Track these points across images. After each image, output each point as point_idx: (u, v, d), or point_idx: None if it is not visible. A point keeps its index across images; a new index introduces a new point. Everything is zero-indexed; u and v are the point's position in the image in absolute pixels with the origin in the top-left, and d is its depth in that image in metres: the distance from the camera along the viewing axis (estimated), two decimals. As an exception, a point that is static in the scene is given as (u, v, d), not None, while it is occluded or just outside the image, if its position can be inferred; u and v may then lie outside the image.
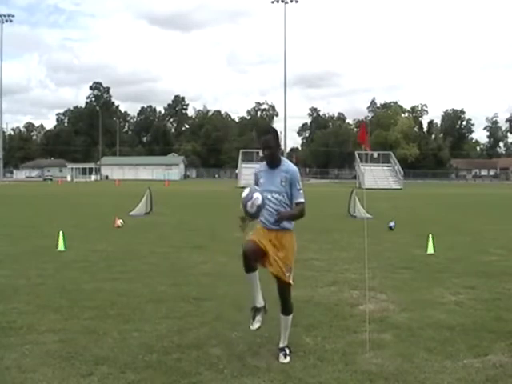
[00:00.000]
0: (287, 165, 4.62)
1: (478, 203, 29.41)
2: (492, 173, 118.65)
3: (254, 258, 4.38)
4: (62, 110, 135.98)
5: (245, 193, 4.43)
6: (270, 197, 4.48)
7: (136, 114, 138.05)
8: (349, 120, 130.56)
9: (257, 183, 4.63)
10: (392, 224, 14.47)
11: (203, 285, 7.24)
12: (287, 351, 4.51)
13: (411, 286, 7.36)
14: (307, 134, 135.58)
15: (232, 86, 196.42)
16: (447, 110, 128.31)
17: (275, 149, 4.57)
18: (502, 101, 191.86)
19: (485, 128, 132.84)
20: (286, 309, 4.61)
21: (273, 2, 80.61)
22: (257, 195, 4.35)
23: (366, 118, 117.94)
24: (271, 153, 4.56)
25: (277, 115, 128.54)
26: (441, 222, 17.36)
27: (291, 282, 4.54)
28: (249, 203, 4.34)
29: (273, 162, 4.59)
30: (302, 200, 4.55)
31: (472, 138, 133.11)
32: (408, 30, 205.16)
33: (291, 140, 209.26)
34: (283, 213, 4.44)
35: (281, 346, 4.56)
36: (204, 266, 8.76)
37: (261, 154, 4.73)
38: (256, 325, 4.47)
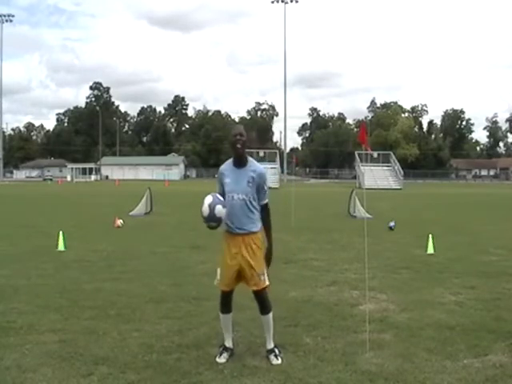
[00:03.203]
0: (254, 164, 4.52)
1: (478, 203, 29.40)
2: (492, 173, 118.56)
3: (231, 299, 4.53)
4: (62, 110, 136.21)
5: (205, 208, 4.29)
6: (235, 197, 4.37)
7: (136, 114, 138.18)
8: (349, 120, 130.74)
9: (222, 183, 4.49)
10: (392, 224, 14.47)
11: (203, 285, 7.22)
12: (277, 351, 4.46)
13: (411, 286, 7.36)
14: (307, 134, 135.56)
15: (232, 86, 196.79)
16: (447, 110, 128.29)
17: (246, 141, 4.45)
18: (502, 101, 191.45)
19: (485, 128, 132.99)
20: (266, 308, 4.53)
21: (273, 2, 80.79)
22: (219, 210, 4.26)
23: (366, 118, 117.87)
24: (243, 141, 4.40)
25: (277, 115, 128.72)
26: (441, 222, 17.35)
27: (267, 283, 4.50)
28: (210, 218, 4.28)
29: (241, 158, 4.45)
30: (267, 200, 4.56)
31: (472, 138, 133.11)
32: (408, 30, 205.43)
33: (291, 140, 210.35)
34: (271, 250, 4.52)
35: (269, 347, 4.49)
36: (204, 265, 8.75)
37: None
38: (222, 360, 4.41)
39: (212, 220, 4.31)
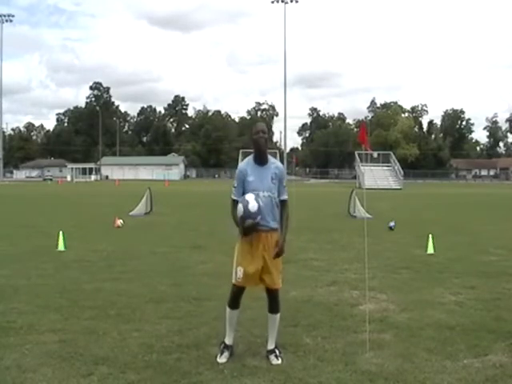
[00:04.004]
0: (274, 161, 4.57)
1: (478, 203, 29.39)
2: (492, 173, 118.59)
3: (241, 296, 4.48)
4: (62, 110, 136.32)
5: (253, 203, 4.20)
6: (261, 195, 4.36)
7: (136, 114, 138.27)
8: (349, 120, 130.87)
9: (243, 181, 4.43)
10: (392, 224, 14.47)
11: (203, 285, 7.24)
12: (278, 352, 4.45)
13: (411, 286, 7.36)
14: (307, 134, 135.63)
15: (232, 86, 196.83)
16: (447, 110, 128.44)
17: (267, 138, 4.50)
18: (501, 101, 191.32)
19: (485, 128, 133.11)
20: (276, 307, 4.54)
21: (273, 2, 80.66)
22: (259, 214, 4.21)
23: (366, 118, 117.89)
24: (266, 138, 4.45)
25: (277, 115, 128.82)
26: (441, 222, 17.35)
27: (281, 284, 4.53)
28: (249, 221, 4.20)
29: (264, 156, 4.45)
30: (287, 197, 4.55)
31: (472, 138, 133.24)
32: (408, 30, 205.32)
33: (291, 140, 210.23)
34: (281, 243, 4.41)
35: (270, 347, 4.48)
36: (204, 265, 8.76)
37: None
38: (223, 359, 4.40)
39: (259, 215, 4.21)
